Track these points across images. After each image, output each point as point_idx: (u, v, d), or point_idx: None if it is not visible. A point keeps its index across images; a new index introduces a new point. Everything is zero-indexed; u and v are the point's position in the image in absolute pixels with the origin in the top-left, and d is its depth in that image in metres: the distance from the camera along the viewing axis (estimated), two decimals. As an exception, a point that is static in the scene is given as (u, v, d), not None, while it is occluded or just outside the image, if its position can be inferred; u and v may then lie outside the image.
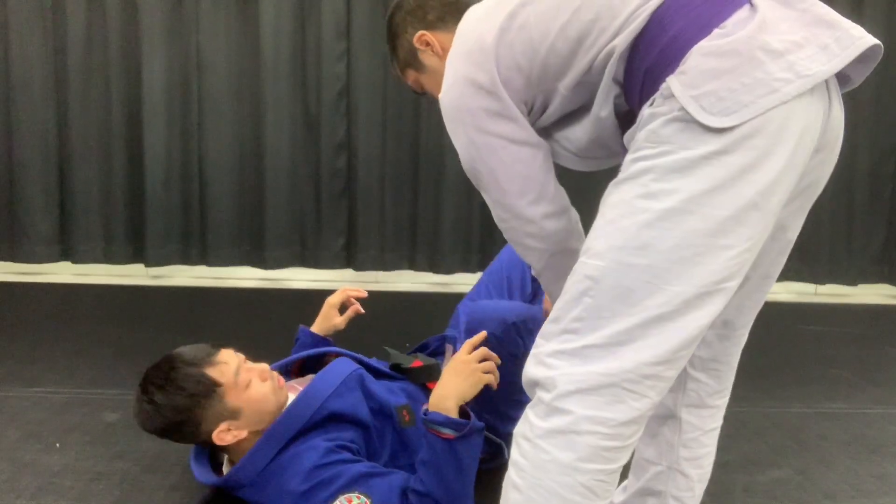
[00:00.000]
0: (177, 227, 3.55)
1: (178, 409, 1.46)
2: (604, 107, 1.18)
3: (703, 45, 1.04)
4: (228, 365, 1.51)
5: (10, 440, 1.86)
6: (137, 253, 3.56)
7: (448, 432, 1.43)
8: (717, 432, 1.41)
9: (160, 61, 3.43)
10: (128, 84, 3.45)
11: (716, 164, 1.01)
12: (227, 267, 3.61)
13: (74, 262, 3.54)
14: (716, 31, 1.05)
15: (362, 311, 1.95)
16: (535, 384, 1.09)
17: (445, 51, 1.42)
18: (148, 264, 3.55)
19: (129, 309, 3.20)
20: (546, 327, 1.11)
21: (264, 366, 1.59)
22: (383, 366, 1.81)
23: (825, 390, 2.40)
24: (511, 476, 1.09)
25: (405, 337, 2.43)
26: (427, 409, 1.48)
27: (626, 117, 1.19)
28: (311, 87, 3.50)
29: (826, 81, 1.08)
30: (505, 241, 1.74)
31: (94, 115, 3.46)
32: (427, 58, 1.53)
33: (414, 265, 3.65)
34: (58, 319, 2.95)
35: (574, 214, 1.37)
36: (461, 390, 1.50)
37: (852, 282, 3.76)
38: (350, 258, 3.65)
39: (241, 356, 1.57)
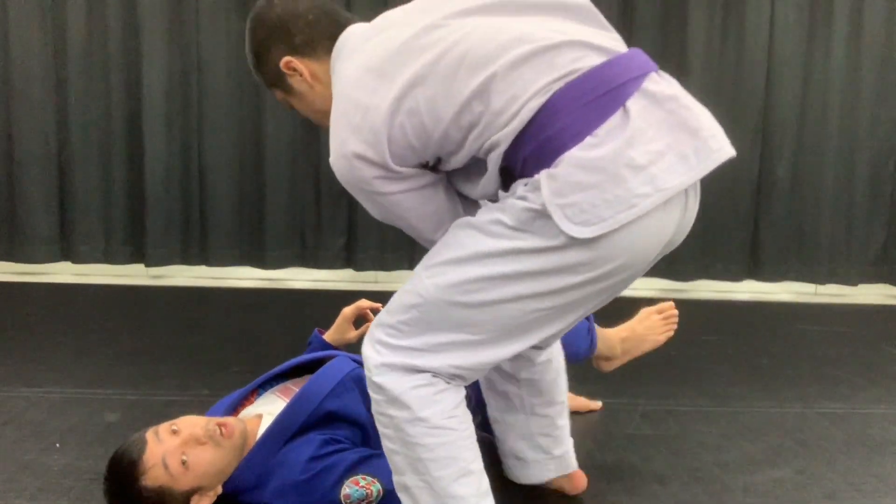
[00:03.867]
0: (177, 228, 3.55)
1: None
2: (487, 186, 1.29)
3: (575, 154, 1.15)
4: (156, 466, 1.41)
5: (10, 440, 1.86)
6: (137, 253, 3.56)
7: None
8: (561, 376, 1.64)
9: (160, 61, 3.43)
10: (128, 84, 3.45)
11: (551, 258, 1.18)
12: (227, 267, 3.61)
13: (74, 262, 3.54)
14: (588, 140, 1.15)
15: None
16: (366, 362, 1.30)
17: (315, 78, 1.40)
18: (148, 264, 3.55)
19: (129, 309, 3.20)
20: (382, 315, 1.32)
21: (195, 429, 1.46)
22: None
23: (825, 390, 2.40)
24: (386, 445, 1.31)
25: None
26: None
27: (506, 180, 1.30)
28: (311, 87, 3.50)
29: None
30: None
31: (94, 115, 3.46)
32: (296, 83, 1.42)
33: (414, 265, 3.61)
34: (58, 319, 2.95)
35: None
36: None
37: (852, 282, 3.76)
38: (350, 258, 3.65)
39: (166, 432, 1.45)
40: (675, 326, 1.95)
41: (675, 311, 1.94)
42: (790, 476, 1.80)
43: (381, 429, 1.32)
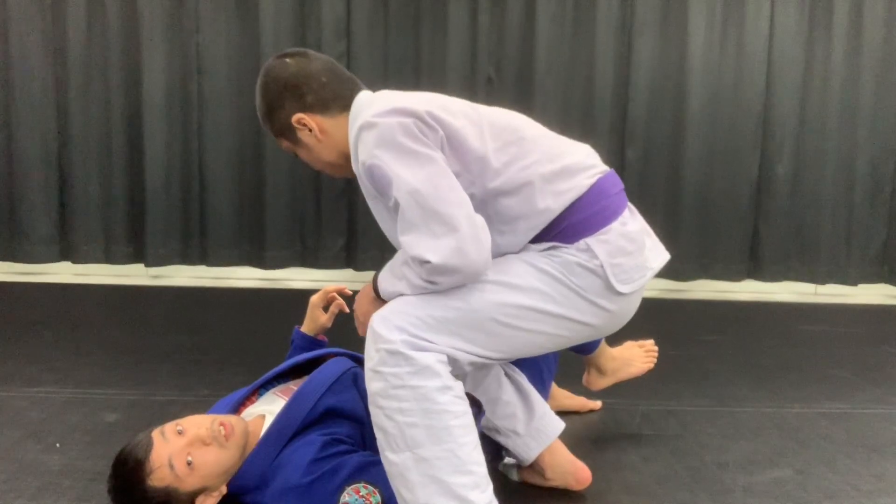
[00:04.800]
0: (177, 227, 3.55)
1: None
2: (522, 235, 1.46)
3: (617, 227, 1.47)
4: (162, 467, 1.41)
5: (10, 440, 1.86)
6: (137, 253, 3.56)
7: None
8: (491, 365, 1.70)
9: (160, 61, 3.43)
10: (128, 84, 3.45)
11: (593, 312, 1.45)
12: (227, 267, 3.61)
13: (74, 262, 3.54)
14: (620, 219, 1.48)
15: (347, 309, 1.95)
16: (382, 338, 1.33)
17: (324, 132, 1.52)
18: (148, 264, 3.55)
19: (129, 309, 3.20)
20: (403, 305, 1.36)
21: (200, 430, 1.46)
22: None
23: (825, 390, 2.40)
24: (399, 420, 1.33)
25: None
26: None
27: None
28: (311, 87, 3.50)
29: None
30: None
31: (94, 115, 3.46)
32: (305, 136, 1.54)
33: (414, 265, 3.65)
34: (58, 319, 2.95)
35: None
36: None
37: (852, 282, 3.76)
38: (350, 258, 3.65)
39: (172, 432, 1.46)
40: (655, 359, 2.09)
41: (656, 348, 2.10)
42: (790, 476, 1.80)
43: (395, 404, 1.33)
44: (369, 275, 3.63)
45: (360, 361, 1.76)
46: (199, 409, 1.69)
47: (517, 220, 1.44)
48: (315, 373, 1.65)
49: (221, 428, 1.48)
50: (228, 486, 1.50)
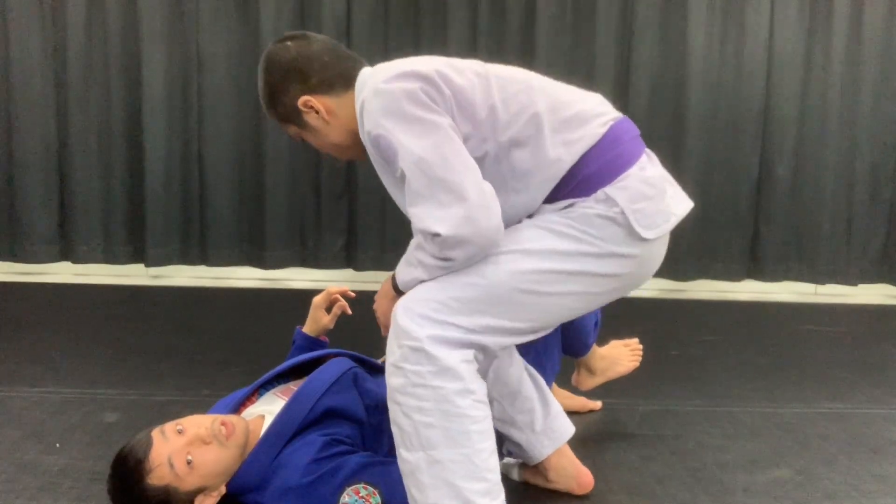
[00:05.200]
0: (177, 227, 3.55)
1: None
2: (537, 194, 1.42)
3: (636, 172, 1.42)
4: (161, 465, 1.41)
5: (10, 440, 1.86)
6: (137, 253, 3.56)
7: None
8: (513, 356, 1.66)
9: (160, 61, 3.43)
10: (128, 84, 3.45)
11: (615, 263, 1.40)
12: (227, 267, 3.61)
13: (74, 262, 3.54)
14: (638, 164, 1.43)
15: (349, 311, 1.95)
16: (406, 334, 1.31)
17: (331, 113, 1.49)
18: (148, 264, 3.55)
19: (129, 309, 3.20)
20: (423, 292, 1.34)
21: (200, 429, 1.46)
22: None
23: (825, 390, 2.40)
24: (417, 419, 1.31)
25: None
26: None
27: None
28: (311, 87, 3.50)
29: None
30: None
31: (94, 115, 3.46)
32: (312, 119, 1.51)
33: (414, 265, 3.65)
34: (58, 319, 2.95)
35: None
36: None
37: (852, 282, 3.76)
38: (350, 258, 3.65)
39: (172, 431, 1.45)
40: (640, 358, 2.10)
41: (640, 346, 2.10)
42: (790, 476, 1.80)
43: (414, 402, 1.31)
44: (369, 275, 3.67)
45: (360, 362, 1.76)
46: (199, 409, 1.69)
47: (530, 175, 1.40)
48: (315, 373, 1.65)
49: (222, 427, 1.48)
50: (228, 486, 1.50)
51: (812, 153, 3.67)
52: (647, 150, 1.50)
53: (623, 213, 1.37)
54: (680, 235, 3.76)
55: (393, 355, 1.33)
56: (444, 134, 1.32)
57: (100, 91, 3.45)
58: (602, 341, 2.05)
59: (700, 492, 1.71)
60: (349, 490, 1.43)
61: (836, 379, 2.51)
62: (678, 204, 1.48)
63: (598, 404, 2.16)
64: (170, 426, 1.47)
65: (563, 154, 1.39)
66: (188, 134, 3.51)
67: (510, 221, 1.40)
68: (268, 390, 1.74)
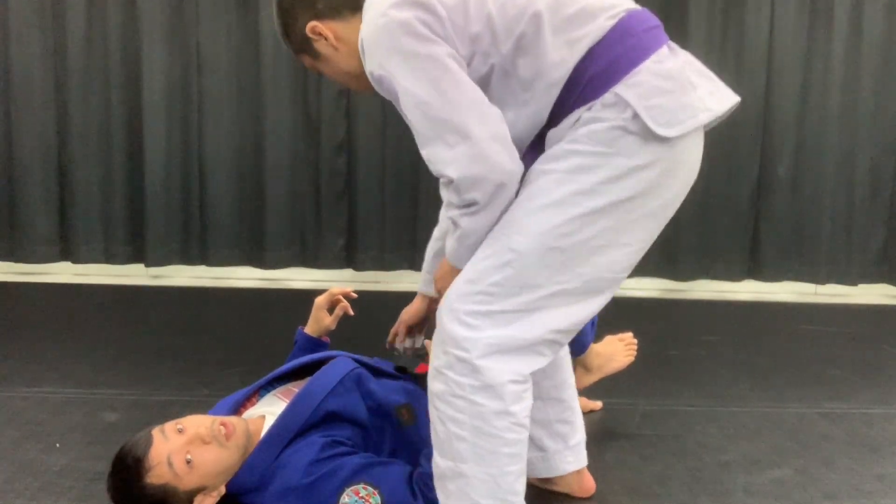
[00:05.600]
0: (177, 227, 3.55)
1: None
2: (539, 111, 1.30)
3: (650, 66, 1.26)
4: (161, 464, 1.41)
5: (10, 440, 1.86)
6: (137, 253, 3.56)
7: None
8: (569, 356, 1.67)
9: (160, 61, 3.43)
10: (128, 84, 3.45)
11: (639, 178, 1.25)
12: (227, 267, 3.61)
13: (74, 262, 3.54)
14: (654, 56, 1.28)
15: (351, 312, 1.94)
16: (454, 340, 1.25)
17: (340, 39, 1.43)
18: (148, 264, 3.55)
19: (129, 309, 3.20)
20: (462, 286, 1.27)
21: (200, 429, 1.46)
22: (385, 365, 1.81)
23: (825, 390, 2.40)
24: (451, 429, 1.27)
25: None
26: None
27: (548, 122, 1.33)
28: (311, 87, 3.50)
29: None
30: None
31: (94, 115, 3.46)
32: (322, 47, 1.46)
33: (414, 265, 3.65)
34: (58, 319, 2.95)
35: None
36: None
37: (852, 282, 3.76)
38: (350, 258, 3.65)
39: (172, 430, 1.46)
40: (636, 352, 2.09)
41: (635, 340, 2.09)
42: (790, 476, 1.80)
43: (451, 412, 1.26)
44: (369, 275, 3.67)
45: (362, 364, 1.76)
46: (199, 409, 1.69)
47: (534, 81, 1.29)
48: (317, 375, 1.64)
49: (222, 427, 1.48)
50: (228, 486, 1.50)
51: (812, 153, 3.66)
52: (671, 43, 1.34)
53: (636, 115, 1.23)
54: (680, 235, 3.78)
55: (437, 360, 1.28)
56: (443, 67, 1.25)
57: (100, 91, 3.45)
58: (598, 340, 2.06)
59: (700, 492, 1.71)
60: (349, 490, 1.44)
61: (836, 379, 2.51)
62: (715, 99, 1.31)
63: (598, 404, 2.16)
64: (170, 425, 1.47)
65: (566, 55, 1.26)
66: (188, 134, 3.51)
67: (522, 138, 1.33)
68: (268, 391, 1.74)
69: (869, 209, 3.73)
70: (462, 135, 1.23)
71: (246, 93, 3.49)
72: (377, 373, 1.76)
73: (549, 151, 1.30)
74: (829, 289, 3.78)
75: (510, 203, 1.28)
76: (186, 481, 1.43)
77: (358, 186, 3.57)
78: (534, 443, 1.62)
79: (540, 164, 1.30)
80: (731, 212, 3.66)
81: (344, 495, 1.43)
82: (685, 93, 1.27)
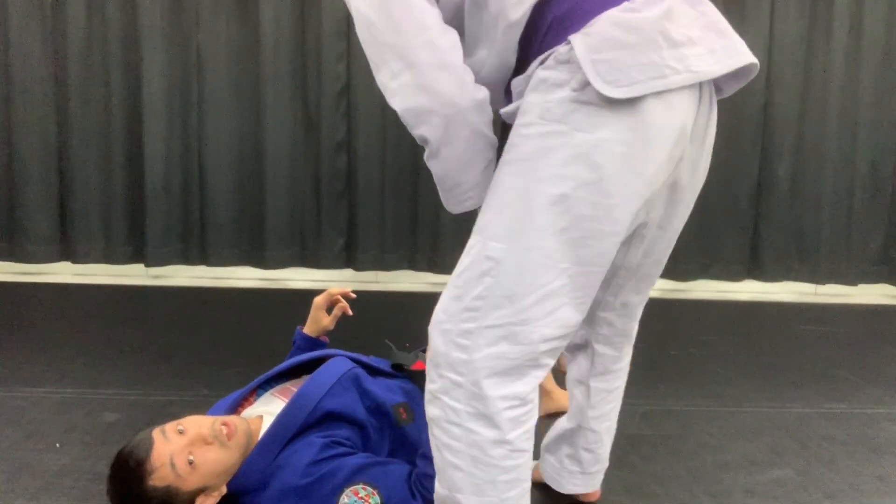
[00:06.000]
0: (177, 227, 3.55)
1: None
2: (503, 55, 1.18)
3: (613, 13, 1.07)
4: (163, 466, 1.40)
5: (10, 440, 1.86)
6: (137, 253, 3.56)
7: None
8: (622, 389, 1.57)
9: (160, 61, 3.43)
10: (128, 84, 3.45)
11: (606, 153, 1.07)
12: (227, 267, 3.61)
13: (74, 262, 3.53)
14: (626, 4, 1.08)
15: (350, 312, 1.94)
16: (449, 364, 1.16)
17: None
18: (148, 264, 3.55)
19: (129, 309, 3.20)
20: (448, 304, 1.18)
21: (201, 429, 1.46)
22: (383, 363, 1.81)
23: (825, 390, 2.40)
24: (446, 457, 1.19)
25: (405, 337, 2.43)
26: None
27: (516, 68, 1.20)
28: (311, 87, 3.50)
29: (701, 84, 1.14)
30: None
31: (94, 115, 3.46)
32: None
33: (414, 265, 3.65)
34: (58, 319, 2.95)
35: (484, 90, 1.20)
36: None
37: (852, 282, 3.76)
38: (350, 258, 3.65)
39: (172, 432, 1.45)
40: None
41: None
42: (790, 476, 1.80)
43: (446, 439, 1.19)
44: (369, 275, 3.67)
45: (358, 363, 1.76)
46: (199, 410, 1.69)
47: (498, 18, 1.16)
48: (315, 374, 1.64)
49: (223, 427, 1.48)
50: (228, 486, 1.50)
51: (812, 153, 3.67)
52: None
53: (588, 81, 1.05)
54: (680, 235, 3.77)
55: (433, 383, 1.20)
56: None
57: (100, 91, 3.45)
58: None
59: (700, 492, 1.71)
60: (348, 490, 1.43)
61: (836, 379, 2.51)
62: (713, 58, 1.11)
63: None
64: (170, 426, 1.47)
65: None
66: (188, 134, 3.51)
67: (494, 80, 1.21)
68: (265, 391, 1.74)
69: (869, 209, 3.73)
70: (406, 62, 1.12)
71: (246, 93, 3.48)
72: (374, 371, 1.76)
73: (508, 140, 1.17)
74: (829, 289, 3.78)
75: (476, 145, 1.17)
76: (189, 482, 1.43)
77: (358, 186, 3.57)
78: (553, 453, 1.61)
79: (503, 157, 1.17)
80: (731, 212, 3.66)
81: (343, 495, 1.43)
82: (649, 49, 1.06)
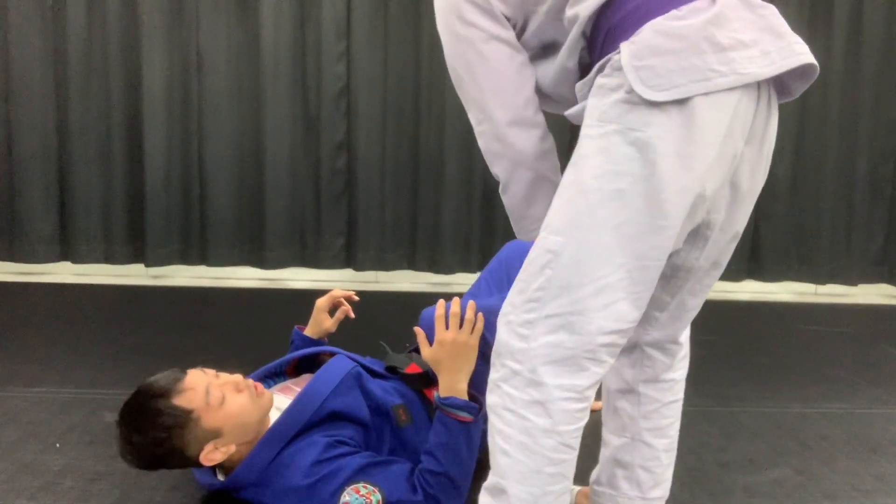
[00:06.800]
0: (177, 227, 3.55)
1: (157, 444, 1.45)
2: (570, 58, 1.27)
3: (657, 22, 1.12)
4: (195, 390, 1.46)
5: (10, 440, 1.86)
6: (137, 253, 3.56)
7: (465, 415, 1.51)
8: (679, 405, 1.51)
9: (160, 61, 3.43)
10: (128, 84, 3.45)
11: (658, 149, 1.11)
12: (227, 267, 3.61)
13: (74, 262, 3.54)
14: (672, 12, 1.13)
15: (352, 315, 1.94)
16: (509, 352, 1.20)
17: None
18: (148, 264, 3.55)
19: (129, 309, 3.20)
20: (513, 296, 1.23)
21: (237, 377, 1.55)
22: (377, 365, 1.81)
23: (825, 390, 2.40)
24: (497, 443, 1.21)
25: (405, 337, 2.43)
26: (440, 394, 1.54)
27: (586, 69, 1.28)
28: (311, 87, 3.51)
29: (759, 86, 1.18)
30: (505, 239, 1.74)
31: (94, 115, 3.46)
32: None
33: (414, 265, 3.65)
34: (58, 319, 2.95)
35: (550, 139, 1.36)
36: (467, 369, 1.56)
37: (852, 282, 3.76)
38: (350, 258, 3.65)
39: (211, 372, 1.54)
40: None
41: None
42: (790, 476, 1.80)
43: (500, 426, 1.20)
44: (369, 275, 3.67)
45: (357, 363, 1.76)
46: (199, 409, 1.68)
47: (572, 26, 1.24)
48: (319, 373, 1.64)
49: (254, 385, 1.54)
50: (227, 480, 1.50)
51: (812, 153, 3.67)
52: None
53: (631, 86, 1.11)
54: (680, 235, 3.77)
55: (496, 372, 1.23)
56: (477, 52, 1.30)
57: (100, 91, 3.45)
58: None
59: (700, 492, 1.71)
60: (349, 489, 1.44)
61: (836, 379, 2.51)
62: (767, 59, 1.15)
63: (598, 404, 2.15)
64: (206, 369, 1.54)
65: (579, 10, 1.21)
66: (188, 134, 3.51)
67: (559, 90, 1.33)
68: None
69: (869, 209, 3.73)
70: (486, 115, 1.31)
71: (246, 93, 3.49)
72: (370, 372, 1.76)
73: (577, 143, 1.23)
74: (829, 289, 3.78)
75: (540, 187, 1.33)
76: (212, 417, 1.46)
77: (358, 186, 3.57)
78: (606, 482, 1.51)
79: (571, 159, 1.23)
80: (731, 212, 3.66)
81: (344, 494, 1.43)
82: (692, 54, 1.10)
